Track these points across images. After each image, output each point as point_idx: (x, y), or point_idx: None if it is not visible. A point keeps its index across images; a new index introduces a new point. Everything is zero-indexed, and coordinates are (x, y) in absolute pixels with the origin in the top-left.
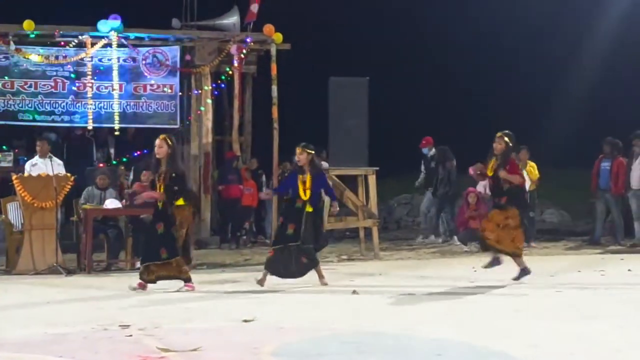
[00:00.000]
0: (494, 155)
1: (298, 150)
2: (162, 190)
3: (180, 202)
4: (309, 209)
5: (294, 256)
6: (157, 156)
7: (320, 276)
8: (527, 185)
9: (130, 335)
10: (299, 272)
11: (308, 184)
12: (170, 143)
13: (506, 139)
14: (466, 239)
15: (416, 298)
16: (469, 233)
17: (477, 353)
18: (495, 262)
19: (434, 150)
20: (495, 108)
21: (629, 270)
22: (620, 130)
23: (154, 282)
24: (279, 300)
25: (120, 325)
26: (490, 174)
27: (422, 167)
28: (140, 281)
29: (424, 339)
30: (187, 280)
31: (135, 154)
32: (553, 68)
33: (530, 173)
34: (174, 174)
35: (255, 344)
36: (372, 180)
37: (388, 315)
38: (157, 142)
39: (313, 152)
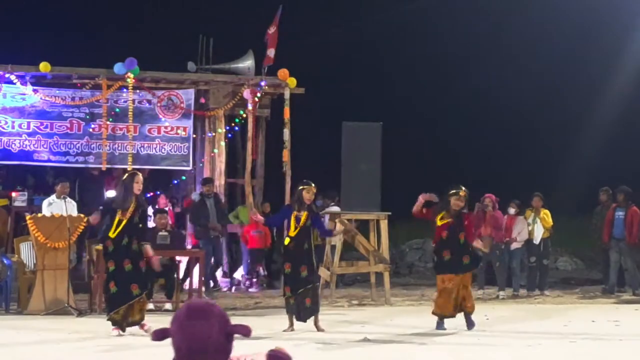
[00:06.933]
0: (450, 210)
1: (311, 188)
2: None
3: None
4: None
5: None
6: (137, 192)
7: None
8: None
9: None
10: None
11: (302, 221)
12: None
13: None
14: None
15: (428, 345)
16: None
17: None
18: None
19: None
20: (509, 155)
21: None
22: (635, 178)
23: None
24: (289, 346)
25: None
26: (438, 223)
27: None
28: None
29: None
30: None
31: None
32: (567, 118)
33: (543, 220)
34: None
35: None
36: (383, 224)
37: None
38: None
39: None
